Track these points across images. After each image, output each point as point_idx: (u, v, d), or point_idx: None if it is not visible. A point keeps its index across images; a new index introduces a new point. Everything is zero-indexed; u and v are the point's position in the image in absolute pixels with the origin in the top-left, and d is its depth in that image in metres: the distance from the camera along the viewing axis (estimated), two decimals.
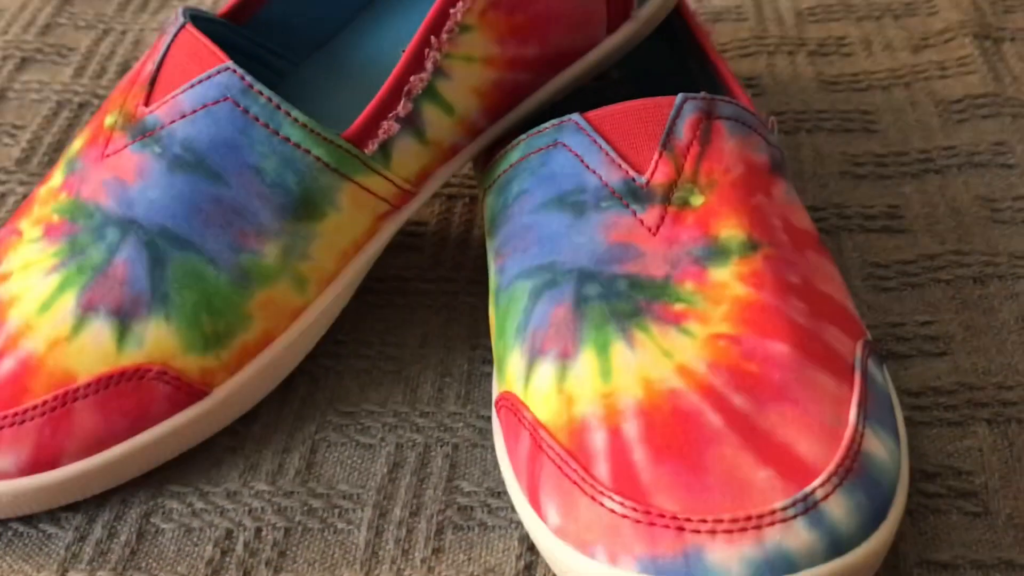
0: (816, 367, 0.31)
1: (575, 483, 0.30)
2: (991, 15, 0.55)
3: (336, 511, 0.35)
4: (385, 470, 0.36)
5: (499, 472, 0.36)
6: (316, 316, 0.37)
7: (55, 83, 0.53)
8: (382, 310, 0.42)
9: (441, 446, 0.37)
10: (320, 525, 0.35)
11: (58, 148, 0.49)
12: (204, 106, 0.34)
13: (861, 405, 0.31)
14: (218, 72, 0.35)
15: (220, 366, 0.35)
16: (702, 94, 0.36)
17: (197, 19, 0.39)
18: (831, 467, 0.29)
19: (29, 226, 0.36)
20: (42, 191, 0.37)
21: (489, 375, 0.39)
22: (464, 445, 0.37)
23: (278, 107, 0.34)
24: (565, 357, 0.32)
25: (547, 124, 0.36)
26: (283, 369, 0.37)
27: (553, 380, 0.32)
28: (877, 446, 0.30)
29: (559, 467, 0.30)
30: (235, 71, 0.34)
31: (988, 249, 0.42)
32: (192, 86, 0.35)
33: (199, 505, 0.35)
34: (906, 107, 0.49)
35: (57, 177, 0.37)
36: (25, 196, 0.47)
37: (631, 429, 0.30)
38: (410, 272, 0.43)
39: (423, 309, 0.42)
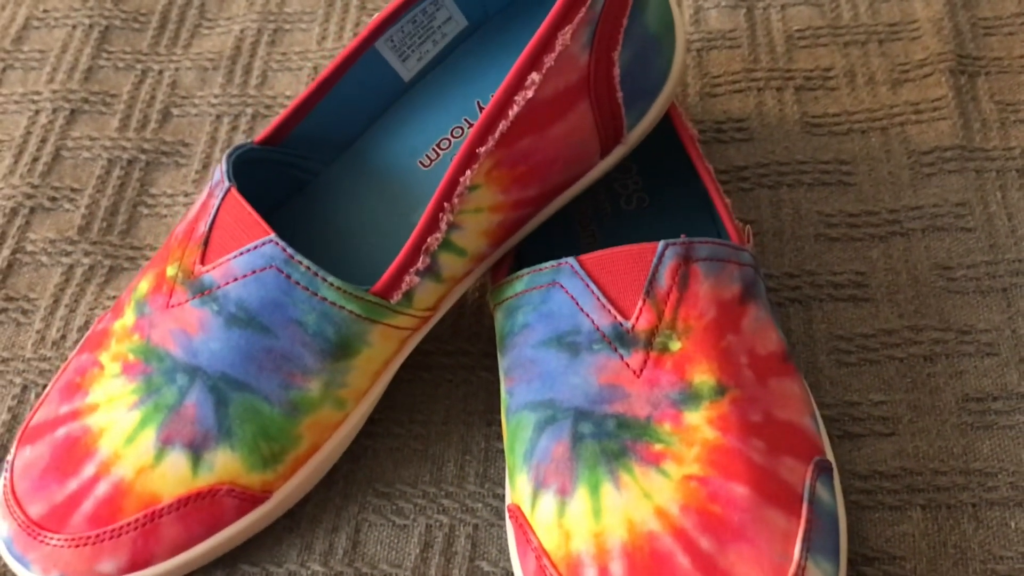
0: (770, 505, 0.38)
1: None
2: (970, 40, 0.58)
3: None
4: (418, 550, 0.44)
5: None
6: (355, 422, 0.44)
7: (104, 138, 0.58)
8: (410, 384, 0.48)
9: (464, 526, 0.44)
10: None
11: (114, 212, 0.55)
12: (253, 272, 0.40)
13: (805, 538, 0.37)
14: (264, 243, 0.40)
15: (277, 477, 0.42)
16: (682, 238, 0.41)
17: (241, 158, 0.44)
18: None
19: (109, 361, 0.43)
20: (116, 327, 0.43)
21: (501, 453, 0.46)
22: (483, 525, 0.44)
23: (315, 274, 0.40)
24: (563, 494, 0.39)
25: (547, 265, 0.42)
26: (328, 465, 0.44)
27: (554, 515, 0.39)
28: (816, 575, 0.37)
29: None
30: (277, 243, 0.40)
31: (940, 324, 0.48)
32: (241, 254, 0.40)
33: None
34: (881, 156, 0.54)
35: (129, 316, 0.43)
36: (91, 267, 0.53)
37: (617, 569, 0.37)
38: (431, 345, 0.50)
39: (445, 384, 0.48)
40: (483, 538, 0.44)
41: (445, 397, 0.48)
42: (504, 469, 0.46)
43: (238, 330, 0.41)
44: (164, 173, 0.57)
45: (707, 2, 0.62)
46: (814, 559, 0.37)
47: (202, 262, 0.41)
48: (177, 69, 0.61)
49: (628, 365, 0.40)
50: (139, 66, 0.61)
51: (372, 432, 0.47)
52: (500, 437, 0.46)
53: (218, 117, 0.59)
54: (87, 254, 0.53)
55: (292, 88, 0.60)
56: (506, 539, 0.44)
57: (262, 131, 0.46)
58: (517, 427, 0.41)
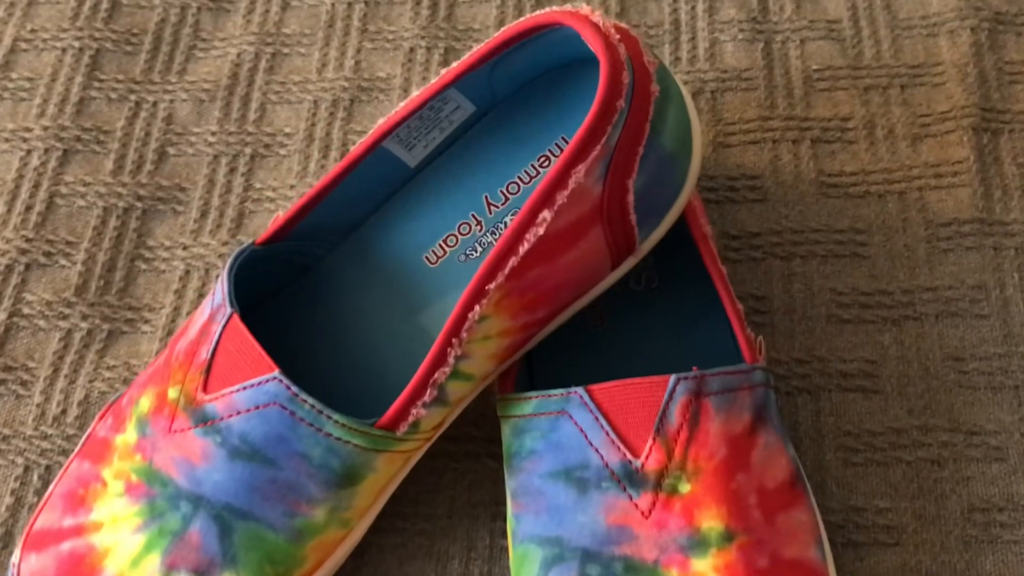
0: None
1: None
2: (995, 88, 0.56)
3: None
4: None
5: None
6: (358, 535, 0.44)
7: (98, 183, 0.56)
8: (415, 472, 0.48)
9: None
10: None
11: (111, 268, 0.54)
12: (256, 407, 0.40)
13: None
14: (267, 380, 0.39)
15: None
16: (694, 372, 0.40)
17: (243, 264, 0.43)
18: None
19: (111, 478, 0.42)
20: (119, 442, 0.43)
21: (506, 550, 0.46)
22: None
23: (320, 412, 0.40)
24: None
25: (556, 392, 0.41)
26: (332, 573, 0.44)
27: None
28: None
29: None
30: (281, 381, 0.39)
31: (949, 424, 0.47)
32: (245, 388, 0.40)
33: None
34: (897, 225, 0.53)
35: (131, 433, 0.42)
36: (89, 331, 0.52)
37: None
38: None
39: (449, 472, 0.48)
40: None
41: (450, 487, 0.48)
42: (507, 568, 0.46)
43: (241, 463, 0.40)
44: (161, 222, 0.55)
45: (723, 33, 0.60)
46: None
47: (204, 390, 0.41)
48: (172, 100, 0.59)
49: (637, 506, 0.40)
50: (132, 96, 0.59)
51: (377, 528, 0.47)
52: (504, 534, 0.46)
53: (216, 157, 0.57)
54: (85, 317, 0.52)
55: (292, 124, 0.58)
56: None
57: (263, 233, 0.44)
58: (523, 558, 0.41)
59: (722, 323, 0.48)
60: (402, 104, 0.44)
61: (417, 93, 0.43)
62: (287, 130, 0.58)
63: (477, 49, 0.42)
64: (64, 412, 0.50)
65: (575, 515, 0.40)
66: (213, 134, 0.58)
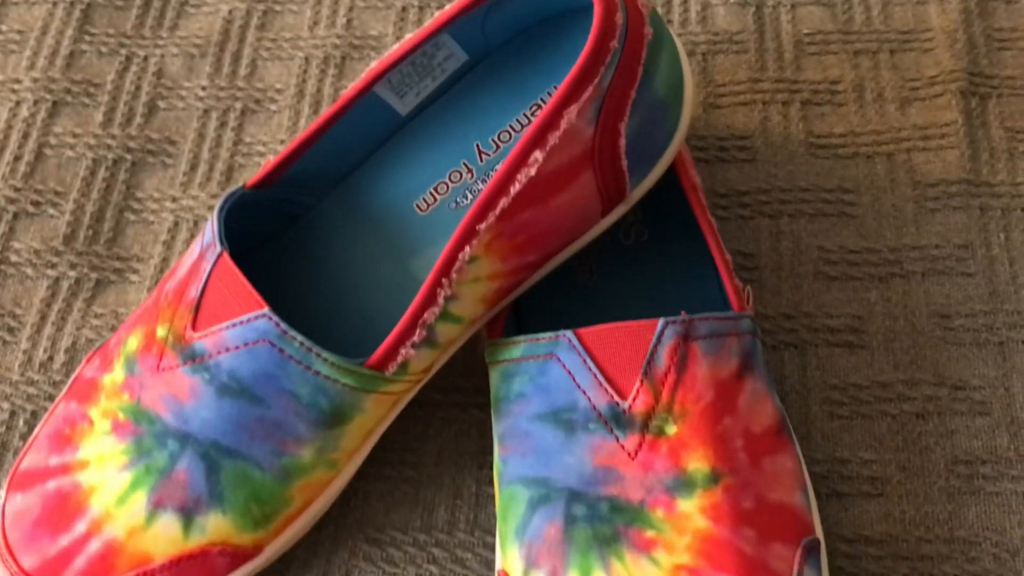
0: None
1: None
2: (984, 55, 0.57)
3: None
4: None
5: None
6: (346, 478, 0.44)
7: (88, 134, 0.56)
8: (402, 420, 0.48)
9: None
10: None
11: (100, 218, 0.54)
12: (245, 344, 0.40)
13: None
14: (257, 317, 0.39)
15: (268, 535, 0.43)
16: (682, 316, 0.41)
17: (231, 208, 0.43)
18: None
19: (99, 417, 0.42)
20: (106, 381, 0.43)
21: (491, 497, 0.46)
22: None
23: (309, 349, 0.40)
24: None
25: (545, 336, 0.41)
26: (319, 516, 0.44)
27: None
28: None
29: None
30: (271, 318, 0.39)
31: (934, 378, 0.48)
32: (234, 325, 0.40)
33: None
34: (885, 185, 0.53)
35: (119, 372, 0.42)
36: (77, 280, 0.52)
37: None
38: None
39: (437, 422, 0.48)
40: None
41: (437, 436, 0.48)
42: (493, 515, 0.46)
43: (230, 400, 0.40)
44: (151, 174, 0.55)
45: None
46: None
47: (193, 327, 0.41)
48: (163, 55, 0.59)
49: (623, 447, 0.40)
50: (123, 51, 0.59)
51: (364, 474, 0.47)
52: (490, 482, 0.47)
53: (206, 112, 0.57)
54: (73, 266, 0.52)
55: (283, 80, 0.58)
56: None
57: (253, 177, 0.44)
58: (510, 499, 0.41)
59: (711, 277, 0.48)
60: (395, 47, 0.43)
61: (410, 36, 0.43)
62: (278, 86, 0.58)
63: None
64: (51, 359, 0.50)
65: (562, 456, 0.40)
66: (203, 88, 0.58)
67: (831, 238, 0.52)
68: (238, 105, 0.57)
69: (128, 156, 0.55)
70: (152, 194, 0.55)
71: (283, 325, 0.39)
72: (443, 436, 0.48)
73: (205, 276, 0.41)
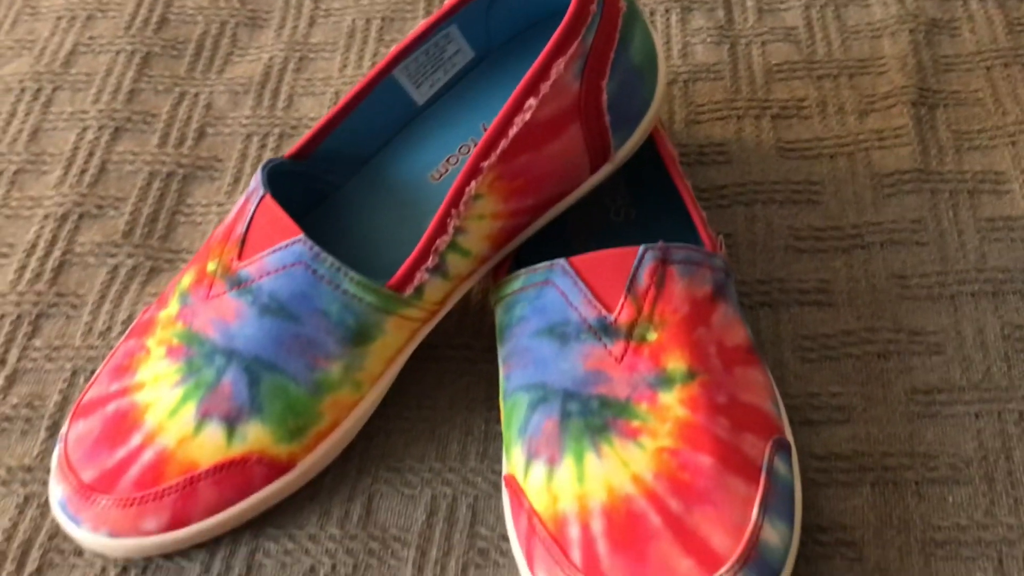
0: (732, 474, 0.43)
1: (557, 562, 0.43)
2: (932, 75, 0.64)
3: (389, 551, 0.48)
4: (424, 517, 0.49)
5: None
6: (369, 404, 0.50)
7: (145, 153, 0.64)
8: (419, 374, 0.54)
9: (465, 497, 0.50)
10: (378, 562, 0.48)
11: (154, 219, 0.61)
12: (284, 267, 0.46)
13: (763, 503, 0.43)
14: (293, 243, 0.46)
15: (301, 449, 0.48)
16: (659, 244, 0.47)
17: (273, 170, 0.50)
18: (734, 557, 0.41)
19: (155, 345, 0.49)
20: (162, 316, 0.49)
21: (500, 434, 0.52)
22: (482, 496, 0.50)
23: (339, 268, 0.46)
24: (552, 463, 0.45)
25: (541, 265, 0.48)
26: (346, 442, 0.50)
27: (544, 480, 0.44)
28: (772, 535, 0.43)
29: (547, 548, 0.43)
30: (305, 243, 0.46)
31: (893, 326, 0.54)
32: (274, 252, 0.46)
33: (289, 545, 0.49)
34: (847, 177, 0.60)
35: (173, 306, 0.49)
36: (134, 267, 0.59)
37: (597, 526, 0.43)
38: (438, 339, 0.55)
39: (450, 374, 0.54)
40: (482, 508, 0.50)
41: (450, 385, 0.54)
42: (501, 449, 0.51)
43: (270, 318, 0.46)
44: (199, 186, 0.63)
45: (694, 38, 0.68)
46: (770, 520, 0.43)
47: (239, 258, 0.47)
48: (212, 92, 0.67)
49: (611, 353, 0.46)
50: (177, 89, 0.67)
51: (385, 415, 0.52)
52: (499, 421, 0.52)
53: (248, 136, 0.65)
54: (130, 256, 0.59)
55: (316, 111, 0.66)
56: (502, 509, 0.49)
57: (289, 148, 0.52)
58: (513, 407, 0.47)
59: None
60: (410, 33, 0.51)
61: (423, 22, 0.51)
62: (312, 116, 0.66)
63: None
64: (109, 328, 0.56)
65: (557, 363, 0.46)
66: (247, 118, 0.66)
67: (800, 219, 0.59)
68: (276, 130, 0.65)
69: (180, 170, 0.63)
70: (200, 201, 0.62)
71: (316, 248, 0.46)
72: (455, 386, 0.54)
73: (250, 214, 0.48)
